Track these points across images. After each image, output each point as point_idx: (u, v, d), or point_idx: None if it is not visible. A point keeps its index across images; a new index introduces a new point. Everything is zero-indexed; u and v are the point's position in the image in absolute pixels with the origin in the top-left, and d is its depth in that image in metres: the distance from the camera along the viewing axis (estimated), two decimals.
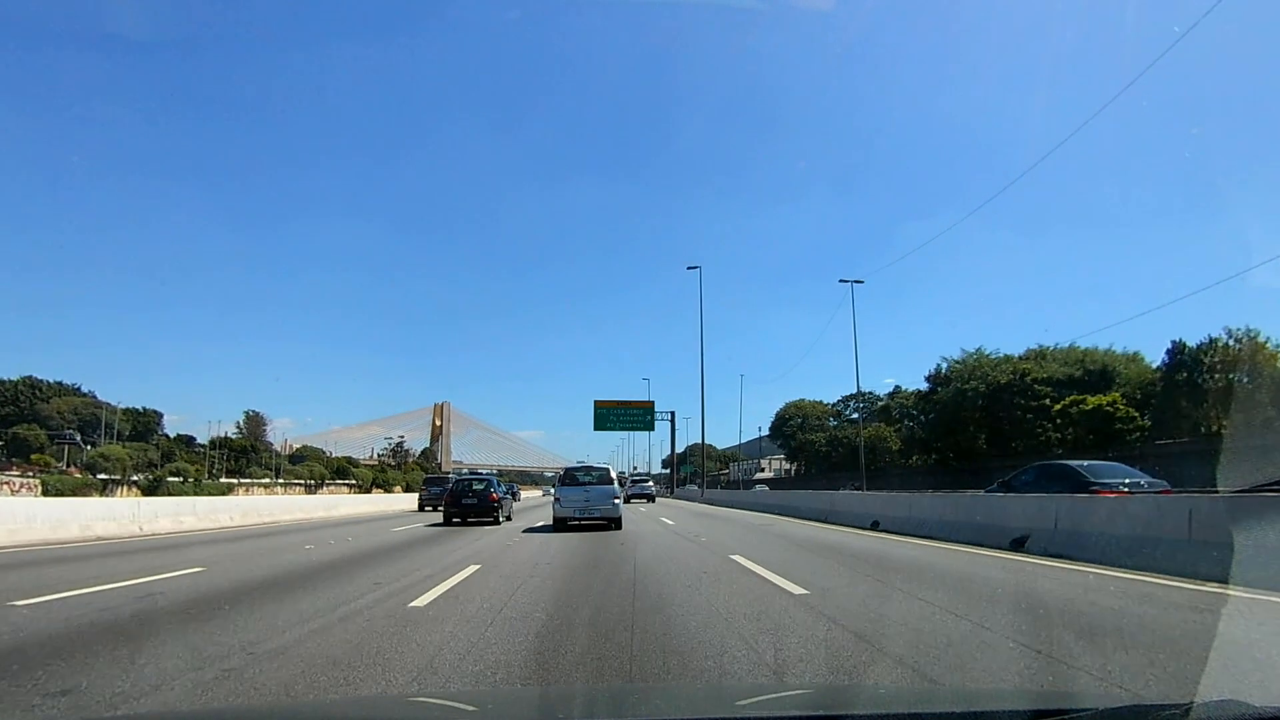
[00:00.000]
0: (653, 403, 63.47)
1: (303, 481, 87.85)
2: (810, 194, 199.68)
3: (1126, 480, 14.07)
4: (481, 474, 29.56)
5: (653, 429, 65.82)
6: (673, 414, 72.34)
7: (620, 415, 61.52)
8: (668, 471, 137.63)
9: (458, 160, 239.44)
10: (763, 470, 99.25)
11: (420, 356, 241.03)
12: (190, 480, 67.54)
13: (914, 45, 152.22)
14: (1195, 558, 7.74)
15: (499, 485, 21.03)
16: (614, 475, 18.07)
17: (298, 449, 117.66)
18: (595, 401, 60.90)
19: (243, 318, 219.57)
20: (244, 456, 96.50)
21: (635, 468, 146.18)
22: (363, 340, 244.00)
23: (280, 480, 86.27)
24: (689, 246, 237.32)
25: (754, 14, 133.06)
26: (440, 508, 21.93)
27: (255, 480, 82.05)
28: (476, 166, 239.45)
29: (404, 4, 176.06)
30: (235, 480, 78.10)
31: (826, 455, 77.32)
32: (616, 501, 16.94)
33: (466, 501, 19.37)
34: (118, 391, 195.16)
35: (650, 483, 54.85)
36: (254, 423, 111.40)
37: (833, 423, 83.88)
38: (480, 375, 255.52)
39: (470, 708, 2.68)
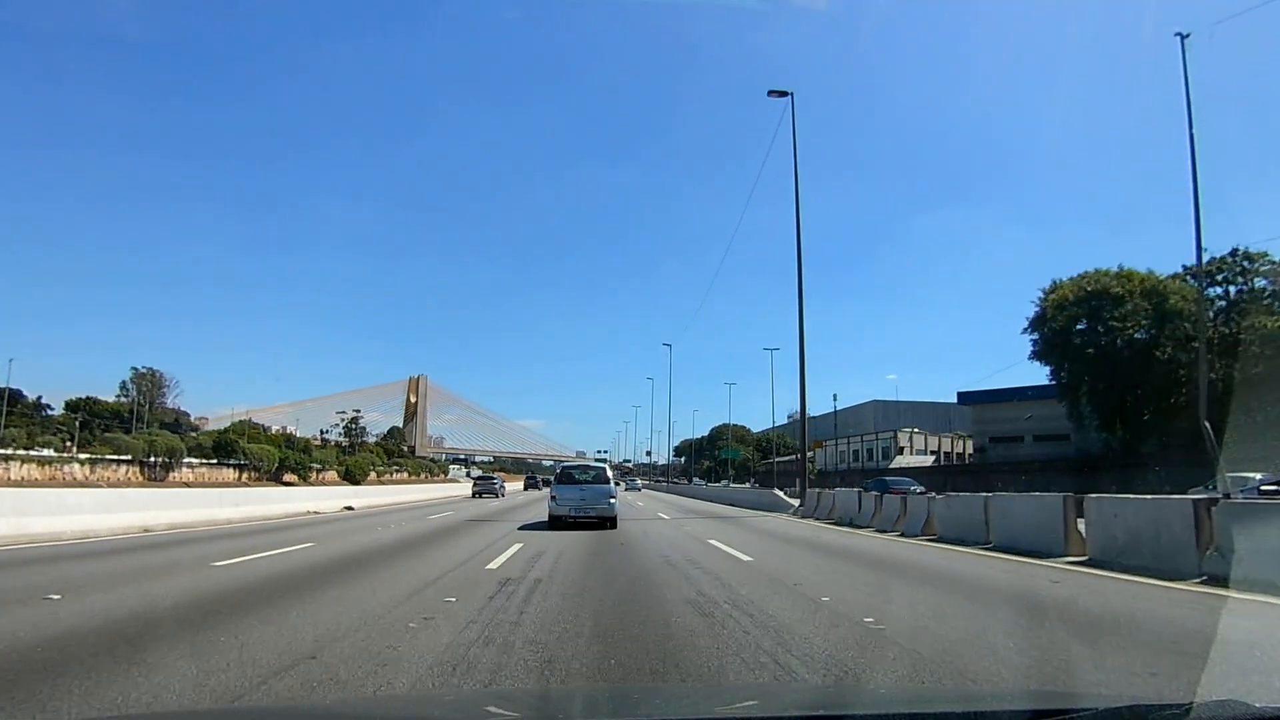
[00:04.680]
0: None
1: (130, 459, 57.20)
2: (815, 184, 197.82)
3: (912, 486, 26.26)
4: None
5: None
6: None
7: None
8: (681, 460, 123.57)
9: (460, 145, 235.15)
10: (901, 451, 56.32)
11: (420, 344, 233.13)
12: None
13: (918, 38, 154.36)
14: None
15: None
16: (610, 474, 18.62)
17: (235, 423, 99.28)
18: None
19: (240, 300, 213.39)
20: (119, 424, 77.13)
21: (650, 454, 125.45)
22: (360, 324, 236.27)
23: (82, 456, 55.45)
24: (691, 237, 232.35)
25: (758, 11, 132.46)
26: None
27: (19, 455, 49.98)
28: (479, 151, 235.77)
29: None
30: None
31: None
32: (613, 500, 17.12)
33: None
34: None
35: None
36: (146, 383, 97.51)
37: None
38: (480, 361, 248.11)
39: (465, 706, 2.81)
